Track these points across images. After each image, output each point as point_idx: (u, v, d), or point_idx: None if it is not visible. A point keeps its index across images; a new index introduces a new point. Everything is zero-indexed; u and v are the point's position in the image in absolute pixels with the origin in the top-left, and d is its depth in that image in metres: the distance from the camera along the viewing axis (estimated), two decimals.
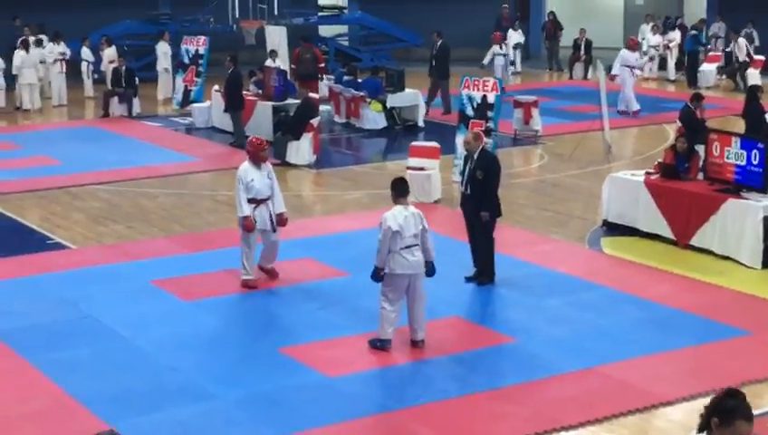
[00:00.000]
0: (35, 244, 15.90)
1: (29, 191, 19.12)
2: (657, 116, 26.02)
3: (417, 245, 11.38)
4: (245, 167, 13.53)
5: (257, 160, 13.53)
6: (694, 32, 32.18)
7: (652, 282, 13.86)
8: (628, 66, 26.44)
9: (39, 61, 28.20)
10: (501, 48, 31.90)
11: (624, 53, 26.97)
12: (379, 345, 11.53)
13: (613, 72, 26.40)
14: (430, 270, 11.64)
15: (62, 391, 10.53)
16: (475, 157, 13.52)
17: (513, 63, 32.31)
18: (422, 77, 30.02)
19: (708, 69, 31.78)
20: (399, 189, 11.59)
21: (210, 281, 13.89)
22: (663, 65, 34.01)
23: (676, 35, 33.21)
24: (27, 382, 10.82)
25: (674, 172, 15.73)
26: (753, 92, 20.19)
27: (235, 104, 23.16)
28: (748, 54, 30.99)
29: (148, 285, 13.77)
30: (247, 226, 13.38)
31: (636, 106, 26.09)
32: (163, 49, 29.62)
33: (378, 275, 11.43)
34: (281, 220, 13.59)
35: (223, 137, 23.96)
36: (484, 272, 13.69)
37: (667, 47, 33.43)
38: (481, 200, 13.46)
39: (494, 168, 13.61)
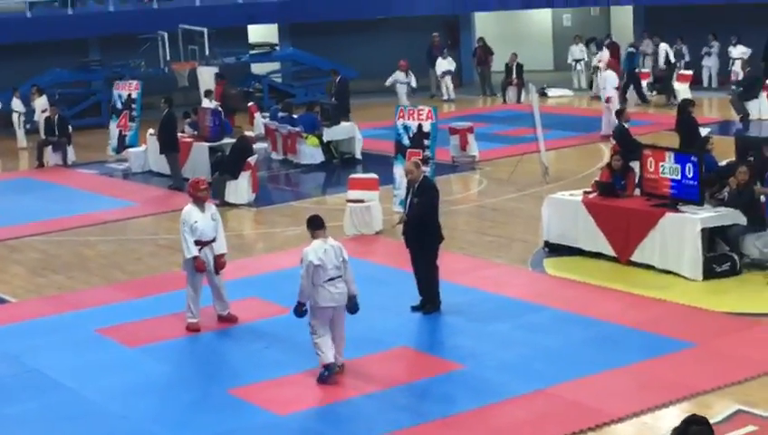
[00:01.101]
0: None
1: None
2: (591, 135, 26.26)
3: (339, 277, 11.53)
4: (189, 209, 13.48)
5: (198, 201, 13.48)
6: (631, 49, 32.53)
7: (596, 300, 13.95)
8: (614, 88, 26.48)
9: None
10: (406, 76, 32.15)
11: (609, 74, 26.94)
12: (327, 374, 11.55)
13: (608, 94, 26.23)
14: (353, 307, 11.73)
15: None
16: (416, 185, 13.58)
17: (414, 91, 32.50)
18: (358, 109, 30.18)
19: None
20: (315, 224, 11.74)
21: (155, 326, 13.77)
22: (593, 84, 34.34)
23: (604, 55, 33.54)
24: None
25: (611, 190, 15.89)
26: (684, 106, 20.47)
27: (170, 146, 23.04)
28: (667, 61, 31.50)
29: (93, 334, 13.63)
30: (198, 266, 13.30)
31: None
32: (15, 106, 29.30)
33: (299, 310, 11.56)
34: (219, 262, 13.52)
35: (160, 180, 23.82)
36: (429, 300, 13.71)
37: (597, 67, 33.73)
38: (421, 227, 13.49)
39: (431, 192, 13.67)
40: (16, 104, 29.90)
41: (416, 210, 13.50)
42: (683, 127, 19.89)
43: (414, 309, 13.73)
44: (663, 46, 31.78)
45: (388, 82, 32.41)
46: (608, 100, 26.03)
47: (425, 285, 13.72)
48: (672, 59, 31.83)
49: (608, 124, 25.26)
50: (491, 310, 13.75)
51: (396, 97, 31.71)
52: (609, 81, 26.64)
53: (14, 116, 29.89)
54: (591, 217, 15.71)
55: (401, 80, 32.20)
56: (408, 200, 13.71)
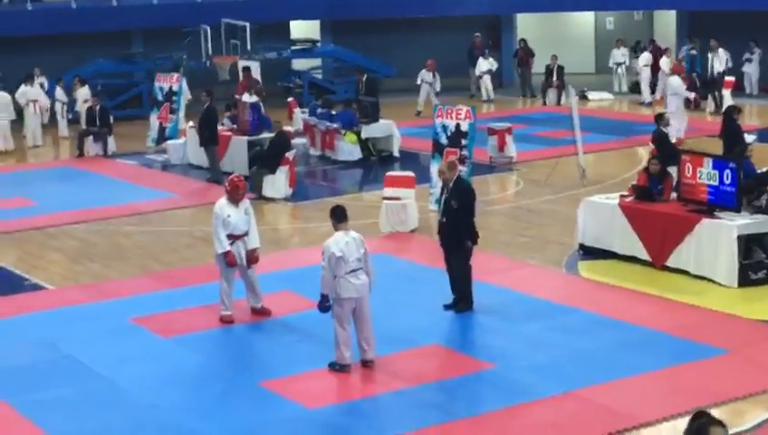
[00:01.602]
0: (12, 285, 15.85)
1: (5, 233, 19.05)
2: (629, 139, 26.18)
3: (361, 268, 11.67)
4: (222, 203, 13.56)
5: (235, 198, 13.57)
6: (693, 52, 32.25)
7: (630, 304, 13.92)
8: (677, 94, 26.13)
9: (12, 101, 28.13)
10: (432, 76, 32.10)
11: (673, 80, 26.62)
12: (339, 369, 11.72)
13: (668, 102, 26.08)
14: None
15: (42, 431, 10.50)
16: (451, 185, 13.60)
17: (437, 94, 32.25)
18: (396, 107, 30.26)
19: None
20: (338, 216, 11.88)
21: (189, 317, 13.88)
22: (636, 88, 34.22)
23: (647, 58, 33.41)
24: (7, 425, 10.76)
25: (648, 194, 15.83)
26: (730, 112, 20.35)
27: (210, 139, 23.18)
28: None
29: (127, 323, 13.74)
30: (230, 260, 13.38)
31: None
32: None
33: (323, 303, 11.70)
34: (251, 256, 13.59)
35: (199, 173, 23.96)
36: (462, 299, 13.72)
37: (638, 72, 33.64)
38: (457, 228, 13.51)
39: (468, 196, 13.68)
40: (59, 94, 30.19)
41: (458, 214, 13.50)
42: (727, 133, 19.79)
43: (446, 307, 13.75)
44: (723, 53, 31.31)
45: (419, 80, 32.32)
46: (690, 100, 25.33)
47: (458, 284, 13.74)
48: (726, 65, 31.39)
49: (677, 129, 25.05)
50: (523, 310, 13.75)
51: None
52: (674, 86, 26.35)
53: (57, 105, 30.19)
54: (627, 221, 15.66)
55: (427, 79, 32.13)
56: (443, 200, 13.73)
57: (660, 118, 19.13)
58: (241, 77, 28.76)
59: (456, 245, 13.60)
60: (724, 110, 22.30)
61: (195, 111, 25.13)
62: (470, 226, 13.64)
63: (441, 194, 13.94)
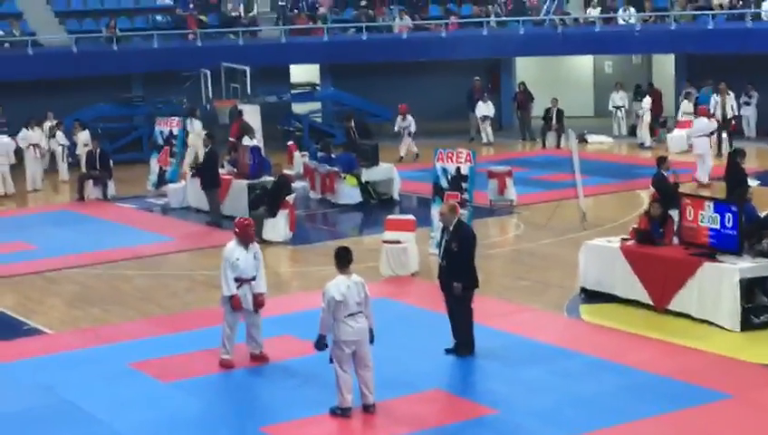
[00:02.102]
0: (11, 330, 15.78)
1: (4, 277, 19.00)
2: (630, 183, 26.19)
3: (360, 312, 11.67)
4: (231, 246, 13.52)
5: (245, 240, 13.53)
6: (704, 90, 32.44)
7: (632, 348, 13.85)
8: (705, 135, 26.28)
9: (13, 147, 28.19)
10: (403, 119, 31.89)
11: (701, 122, 26.73)
12: (340, 413, 11.67)
13: (695, 146, 26.20)
14: (371, 337, 11.83)
15: None
16: (451, 229, 13.58)
17: (410, 135, 32.09)
18: (395, 151, 30.32)
19: (678, 135, 32.05)
20: (343, 259, 11.85)
21: (189, 362, 13.80)
22: (635, 132, 34.29)
23: (647, 102, 33.51)
24: None
25: (649, 238, 15.81)
26: (734, 156, 20.39)
27: (211, 182, 23.20)
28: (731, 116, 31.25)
29: (126, 368, 13.67)
30: (235, 304, 13.33)
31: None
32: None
33: (320, 342, 11.70)
34: (258, 301, 13.54)
35: (199, 216, 23.96)
36: (463, 343, 13.65)
37: (637, 115, 33.72)
38: (457, 272, 13.48)
39: (468, 239, 13.66)
40: (60, 138, 30.26)
41: (458, 257, 13.46)
42: (731, 176, 19.81)
43: (448, 352, 13.68)
44: (731, 98, 31.36)
45: (396, 128, 32.16)
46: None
47: (459, 329, 13.68)
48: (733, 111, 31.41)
49: (705, 172, 25.31)
50: (525, 355, 13.68)
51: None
52: (702, 128, 26.42)
53: (58, 149, 30.25)
54: (629, 265, 15.62)
55: (402, 125, 31.95)
56: (443, 243, 13.71)
57: (662, 161, 19.12)
58: (234, 120, 28.95)
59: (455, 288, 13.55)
60: (729, 153, 22.37)
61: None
62: (470, 269, 13.60)
63: (441, 237, 13.91)
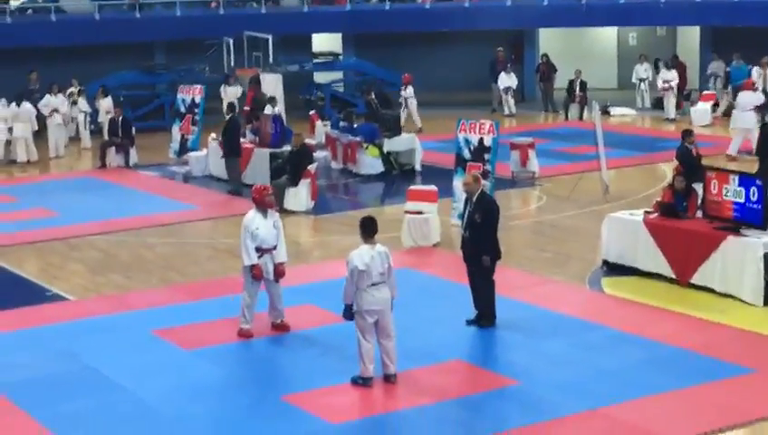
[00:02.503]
0: (34, 296, 15.85)
1: (27, 243, 19.09)
2: (653, 155, 26.07)
3: (383, 282, 11.65)
4: (251, 215, 13.49)
5: (263, 207, 13.50)
6: (736, 64, 32.05)
7: (654, 321, 13.82)
8: (752, 109, 25.89)
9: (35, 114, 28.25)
10: (405, 89, 31.66)
11: (747, 96, 26.40)
12: (361, 383, 11.69)
13: (740, 121, 25.83)
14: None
15: None
16: (474, 200, 13.55)
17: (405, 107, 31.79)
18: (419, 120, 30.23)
19: (703, 108, 31.87)
20: (368, 229, 11.82)
21: (211, 329, 13.84)
22: (659, 104, 34.10)
23: (673, 75, 33.25)
24: None
25: (672, 211, 15.74)
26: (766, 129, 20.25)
27: (231, 151, 23.22)
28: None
29: (149, 334, 13.72)
30: (256, 274, 13.33)
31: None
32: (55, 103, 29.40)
33: (348, 312, 11.72)
34: (278, 270, 13.54)
35: (220, 185, 23.98)
36: (485, 315, 13.65)
37: (667, 87, 33.31)
38: (480, 243, 13.46)
39: (492, 211, 13.63)
40: (82, 105, 30.31)
41: (481, 228, 13.44)
42: (764, 150, 19.66)
43: (469, 323, 13.68)
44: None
45: (401, 98, 31.78)
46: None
47: (481, 300, 13.67)
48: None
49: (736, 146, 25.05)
50: (547, 327, 13.67)
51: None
52: (749, 102, 26.14)
53: (80, 116, 30.31)
54: (652, 238, 15.57)
55: (405, 95, 31.62)
56: (467, 214, 13.68)
57: (688, 134, 19.00)
58: (247, 88, 28.95)
59: (479, 259, 13.53)
60: (761, 126, 22.14)
61: (216, 124, 25.17)
62: (493, 241, 13.58)
63: (465, 208, 13.88)
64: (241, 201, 21.06)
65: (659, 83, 33.60)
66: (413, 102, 31.49)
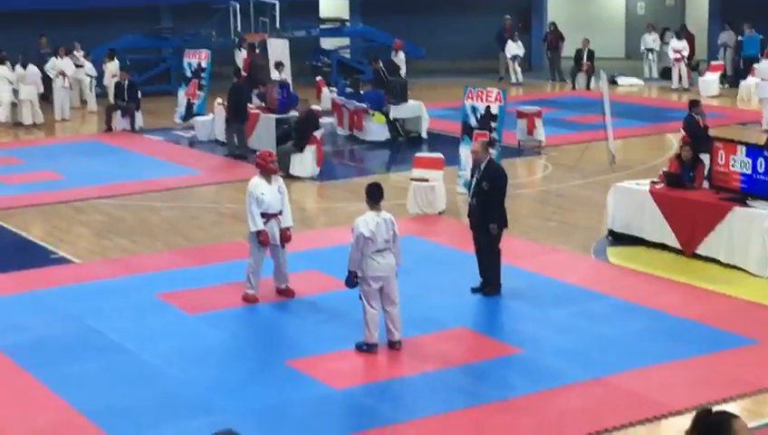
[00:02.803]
0: (39, 258, 15.87)
1: (32, 206, 19.10)
2: (660, 125, 26.00)
3: (388, 249, 11.63)
4: (256, 181, 13.46)
5: (267, 173, 13.48)
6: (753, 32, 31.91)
7: (659, 291, 13.81)
8: None
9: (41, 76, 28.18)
10: (396, 56, 31.18)
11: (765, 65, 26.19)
12: (366, 349, 11.71)
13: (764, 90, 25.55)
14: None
15: (68, 405, 10.50)
16: (482, 167, 13.52)
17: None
18: (425, 88, 30.13)
19: (711, 78, 31.77)
20: (373, 196, 11.81)
21: (215, 294, 13.86)
22: (667, 74, 33.98)
23: (684, 44, 33.06)
24: (33, 398, 10.77)
25: (679, 181, 15.70)
26: None
27: (234, 116, 23.20)
28: None
29: (153, 298, 13.74)
30: (263, 240, 13.32)
31: None
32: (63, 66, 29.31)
33: (351, 279, 11.70)
34: (284, 235, 13.53)
35: (224, 149, 23.93)
36: (490, 283, 13.64)
37: (679, 56, 33.08)
38: (487, 211, 13.44)
39: (500, 178, 13.60)
40: (88, 68, 30.24)
41: (488, 196, 13.42)
42: None
43: (474, 291, 13.68)
44: None
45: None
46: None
47: (486, 268, 13.66)
48: None
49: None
50: (551, 296, 13.67)
51: None
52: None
53: (86, 80, 30.26)
54: (658, 208, 15.54)
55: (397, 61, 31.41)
56: (474, 181, 13.65)
57: (695, 105, 18.93)
58: (246, 53, 28.89)
59: (485, 227, 13.52)
60: None
61: (222, 89, 25.12)
62: (500, 209, 13.56)
63: (472, 175, 13.85)
64: (247, 167, 21.04)
65: (670, 53, 33.45)
66: (402, 69, 31.15)
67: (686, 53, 32.96)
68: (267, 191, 13.36)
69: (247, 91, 24.14)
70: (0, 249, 16.69)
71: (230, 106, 23.32)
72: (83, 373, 11.30)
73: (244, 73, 27.13)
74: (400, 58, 31.20)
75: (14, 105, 27.97)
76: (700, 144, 16.95)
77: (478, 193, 13.50)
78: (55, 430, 10.04)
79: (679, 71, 32.86)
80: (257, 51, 28.85)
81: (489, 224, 13.44)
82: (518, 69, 34.80)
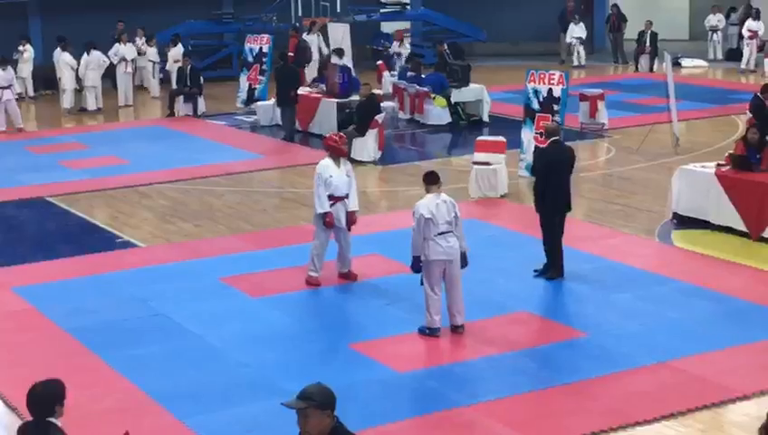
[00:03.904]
0: (104, 242, 16.05)
1: (97, 191, 19.30)
2: (726, 107, 25.67)
3: (450, 232, 11.59)
4: (325, 163, 13.48)
5: (337, 155, 13.50)
6: None
7: (725, 275, 13.66)
8: None
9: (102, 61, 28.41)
10: (400, 45, 30.88)
11: None
12: (428, 333, 11.71)
13: None
14: (464, 261, 11.79)
15: (136, 387, 10.62)
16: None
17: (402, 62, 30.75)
18: (487, 72, 29.99)
19: None
20: (430, 179, 11.82)
21: (278, 278, 13.92)
22: (732, 56, 33.53)
23: (759, 25, 32.53)
24: (102, 380, 10.91)
25: (745, 164, 15.49)
26: None
27: (282, 100, 23.55)
28: None
29: (217, 282, 13.83)
30: (329, 221, 13.35)
31: None
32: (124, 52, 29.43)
33: (416, 264, 11.67)
34: (351, 218, 13.55)
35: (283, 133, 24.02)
36: (553, 266, 13.56)
37: (753, 36, 32.58)
38: (554, 193, 13.43)
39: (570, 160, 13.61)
40: (151, 54, 30.47)
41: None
42: None
43: (537, 273, 13.62)
44: None
45: (392, 52, 30.97)
46: None
47: (551, 251, 13.59)
48: None
49: None
50: (615, 279, 13.57)
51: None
52: None
53: (149, 65, 30.50)
54: (724, 191, 15.35)
55: (396, 50, 30.83)
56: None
57: (766, 89, 18.60)
58: (289, 36, 29.02)
59: (551, 210, 13.48)
60: None
61: None
62: (567, 190, 13.55)
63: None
64: (309, 151, 21.16)
65: (745, 32, 32.88)
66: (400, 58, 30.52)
67: (761, 33, 32.39)
68: (336, 174, 13.38)
69: (294, 73, 24.22)
70: (66, 234, 16.89)
71: (278, 89, 23.49)
72: (149, 356, 11.42)
73: (290, 54, 27.23)
74: (406, 47, 30.82)
75: (77, 91, 28.27)
76: (767, 126, 16.70)
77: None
78: (123, 411, 10.15)
79: (750, 51, 32.37)
80: (299, 33, 29.04)
81: (556, 206, 13.42)
82: (581, 51, 34.50)
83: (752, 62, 32.16)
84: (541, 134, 18.59)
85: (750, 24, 32.81)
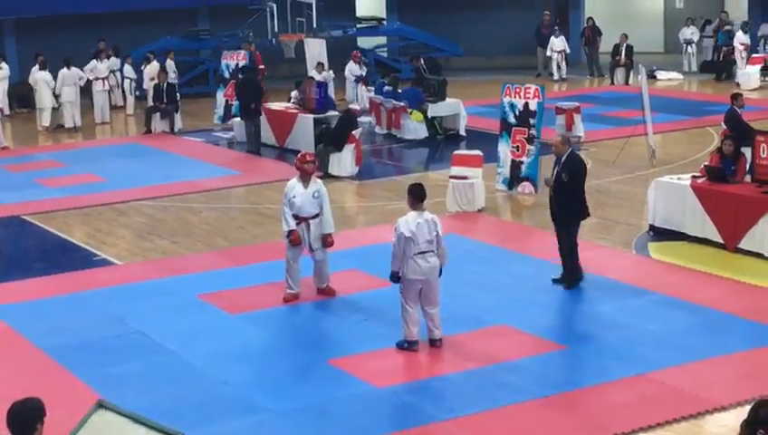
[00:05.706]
0: (82, 260, 15.98)
1: (74, 209, 19.23)
2: (701, 119, 25.80)
3: (431, 251, 11.55)
4: (292, 182, 13.47)
5: (303, 174, 13.48)
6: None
7: (702, 286, 13.71)
8: None
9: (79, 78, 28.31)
10: (360, 67, 30.44)
11: None
12: (407, 347, 11.71)
13: None
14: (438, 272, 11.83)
15: None
16: (563, 160, 13.63)
17: (367, 83, 30.35)
18: (463, 86, 30.05)
19: (752, 71, 31.49)
20: (415, 196, 11.77)
21: (257, 294, 13.90)
22: (706, 68, 33.71)
23: (747, 38, 32.74)
24: (79, 398, 10.81)
25: (721, 175, 15.57)
26: None
27: (245, 113, 23.90)
28: None
29: (195, 299, 13.79)
30: (293, 239, 13.33)
31: None
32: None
33: (394, 278, 11.70)
34: (326, 241, 13.52)
35: (265, 150, 24.00)
36: (565, 276, 13.74)
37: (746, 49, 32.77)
38: (566, 202, 13.56)
39: (581, 169, 13.80)
40: (127, 71, 30.40)
41: (564, 187, 13.56)
42: None
43: (555, 281, 13.76)
44: None
45: (347, 73, 30.33)
46: None
47: (566, 260, 13.71)
48: None
49: None
50: (593, 291, 13.60)
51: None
52: None
53: (126, 82, 30.43)
54: (700, 202, 15.42)
55: (355, 72, 30.27)
56: (554, 174, 13.75)
57: (736, 97, 18.75)
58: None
59: (565, 220, 13.65)
60: None
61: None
62: (580, 200, 13.71)
63: (554, 167, 13.89)
64: (286, 167, 21.09)
65: (737, 45, 32.95)
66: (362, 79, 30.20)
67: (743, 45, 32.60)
68: (299, 194, 13.33)
69: (256, 86, 24.31)
70: (43, 252, 16.82)
71: (240, 103, 23.58)
72: (126, 374, 11.37)
73: (262, 67, 27.45)
74: (362, 68, 30.76)
75: (54, 109, 28.16)
76: (742, 137, 16.79)
77: (558, 185, 13.58)
78: None
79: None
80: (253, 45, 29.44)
81: (572, 214, 13.59)
82: (563, 65, 34.63)
83: (739, 77, 32.26)
84: (517, 148, 18.70)
85: (740, 37, 32.88)
